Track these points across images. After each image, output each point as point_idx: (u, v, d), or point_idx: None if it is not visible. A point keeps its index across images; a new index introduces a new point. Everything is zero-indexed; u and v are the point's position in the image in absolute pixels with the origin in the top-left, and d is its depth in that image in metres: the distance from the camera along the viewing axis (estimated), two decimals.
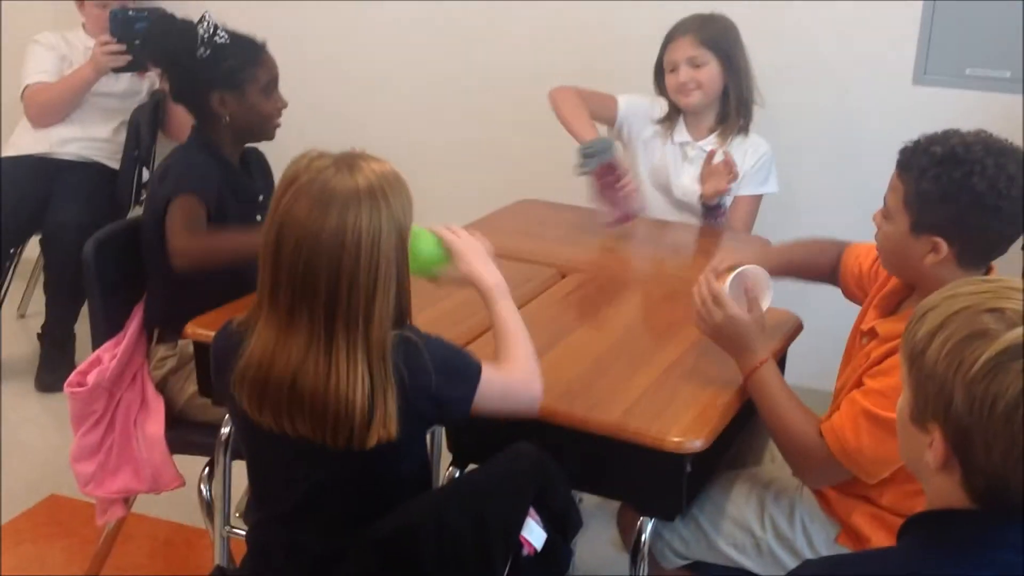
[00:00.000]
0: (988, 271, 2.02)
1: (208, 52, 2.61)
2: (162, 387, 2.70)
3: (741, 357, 2.14)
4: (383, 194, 1.74)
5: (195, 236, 2.56)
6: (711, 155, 3.12)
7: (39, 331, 3.97)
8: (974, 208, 1.91)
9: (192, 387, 2.62)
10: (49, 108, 3.95)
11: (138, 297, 2.75)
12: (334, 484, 1.84)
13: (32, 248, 4.06)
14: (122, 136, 4.00)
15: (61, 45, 4.01)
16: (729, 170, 3.07)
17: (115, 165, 4.01)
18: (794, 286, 2.44)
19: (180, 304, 2.50)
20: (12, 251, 3.98)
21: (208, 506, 2.57)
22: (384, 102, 4.23)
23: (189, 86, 2.69)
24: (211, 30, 2.61)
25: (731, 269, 2.22)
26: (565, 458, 1.97)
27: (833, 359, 2.33)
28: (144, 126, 3.95)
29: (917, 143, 1.97)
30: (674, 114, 3.26)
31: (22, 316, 4.41)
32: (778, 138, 3.33)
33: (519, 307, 2.13)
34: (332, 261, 1.71)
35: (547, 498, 1.89)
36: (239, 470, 2.09)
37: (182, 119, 3.36)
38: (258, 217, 2.75)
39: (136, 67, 3.88)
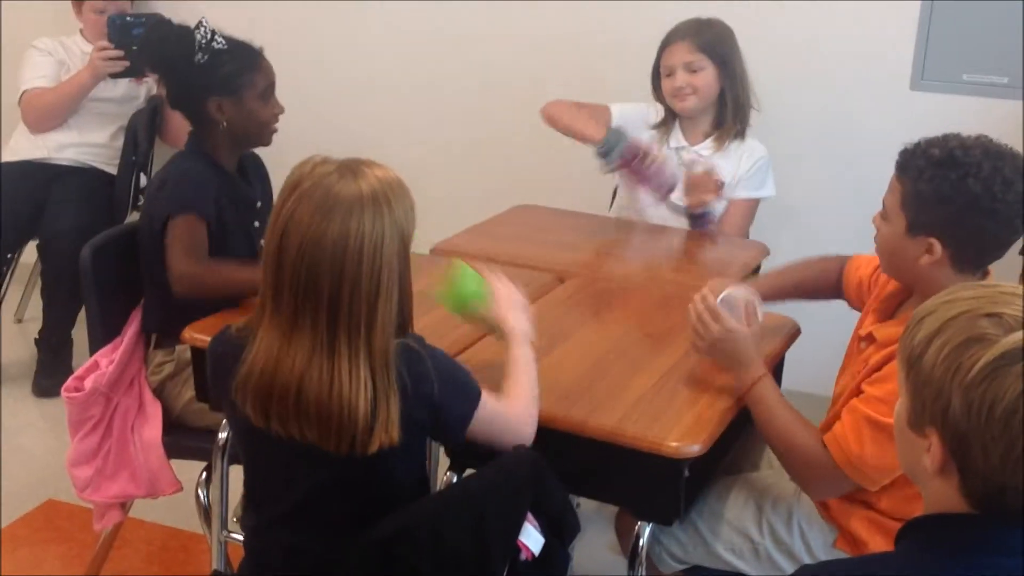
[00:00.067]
0: (985, 275, 2.02)
1: (205, 58, 2.60)
2: (159, 392, 2.70)
3: (739, 372, 2.13)
4: (386, 200, 1.74)
5: (196, 263, 2.54)
6: (692, 165, 3.12)
7: (36, 336, 3.97)
8: (969, 210, 1.92)
9: (189, 392, 2.62)
10: (47, 113, 3.95)
11: (135, 302, 2.75)
12: (334, 486, 1.84)
13: (29, 253, 4.05)
14: (119, 141, 3.99)
15: (59, 50, 4.01)
16: (710, 180, 3.07)
17: (112, 170, 4.00)
18: None
19: (177, 310, 2.50)
20: (9, 256, 3.98)
21: (205, 511, 2.57)
22: (381, 106, 4.24)
23: (186, 92, 2.68)
24: (208, 36, 2.61)
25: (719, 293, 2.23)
26: (563, 463, 1.97)
27: (831, 364, 2.33)
28: (142, 131, 3.95)
29: (917, 145, 1.98)
30: (670, 119, 3.27)
31: (19, 321, 4.41)
32: (776, 144, 3.33)
33: None
34: (335, 267, 1.71)
35: (544, 503, 1.89)
36: (237, 475, 2.09)
37: (179, 125, 3.36)
38: (256, 224, 2.75)
39: (134, 73, 3.88)
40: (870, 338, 2.11)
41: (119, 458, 2.64)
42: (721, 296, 2.20)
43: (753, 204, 3.25)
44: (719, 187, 3.08)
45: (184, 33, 2.63)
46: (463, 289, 2.12)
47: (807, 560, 2.14)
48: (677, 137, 3.25)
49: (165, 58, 2.70)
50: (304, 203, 1.73)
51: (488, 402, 1.90)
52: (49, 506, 3.22)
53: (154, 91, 4.02)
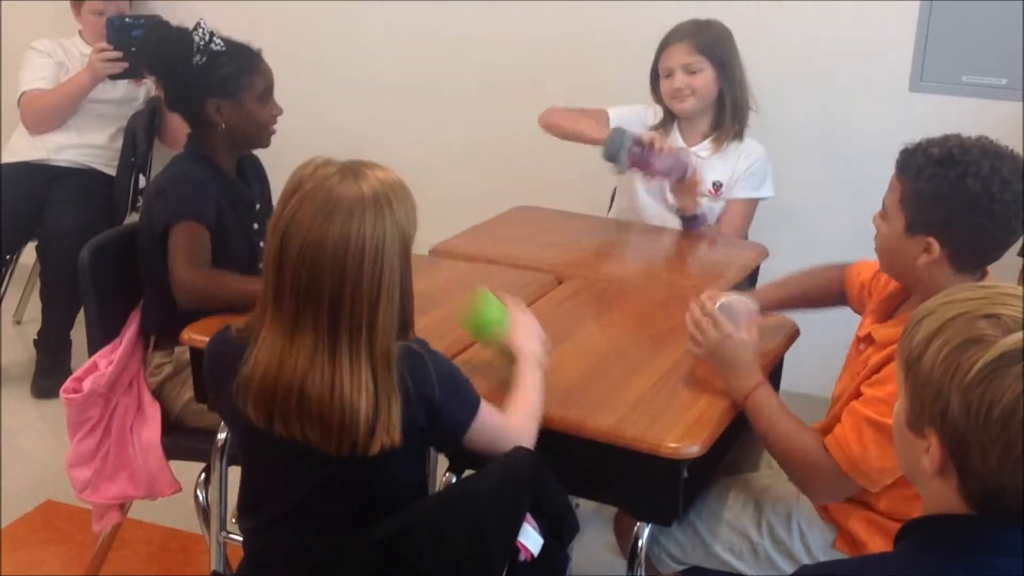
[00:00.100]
0: (983, 275, 2.03)
1: (204, 60, 2.60)
2: (158, 394, 2.70)
3: (737, 379, 2.12)
4: (387, 202, 1.74)
5: (200, 274, 2.53)
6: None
7: (35, 337, 3.97)
8: (967, 209, 1.92)
9: (188, 393, 2.62)
10: (46, 115, 3.95)
11: (134, 303, 2.75)
12: (334, 486, 1.84)
13: (28, 254, 4.06)
14: (118, 143, 3.99)
15: (58, 52, 4.01)
16: (694, 185, 3.07)
17: (111, 172, 4.00)
18: None
19: (176, 312, 2.50)
20: (9, 257, 3.98)
21: (204, 511, 2.57)
22: (381, 106, 4.24)
23: (184, 94, 2.68)
24: (206, 37, 2.60)
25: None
26: (562, 463, 1.97)
27: (830, 365, 2.33)
28: (141, 133, 3.95)
29: (918, 145, 1.99)
30: (668, 120, 3.27)
31: (18, 322, 4.41)
32: (775, 145, 3.33)
33: None
34: (335, 268, 1.71)
35: (544, 504, 1.90)
36: (236, 475, 2.09)
37: (178, 126, 3.36)
38: (255, 225, 2.75)
39: (132, 74, 3.88)
40: (869, 339, 2.11)
41: (118, 459, 2.64)
42: (719, 303, 2.20)
43: (751, 204, 3.25)
44: (700, 188, 3.08)
45: (182, 35, 2.63)
46: (486, 317, 2.15)
47: (806, 561, 2.14)
48: (676, 138, 3.25)
49: (163, 60, 2.70)
50: (306, 205, 1.73)
51: (487, 412, 1.91)
52: (48, 507, 3.22)
53: (153, 92, 4.02)
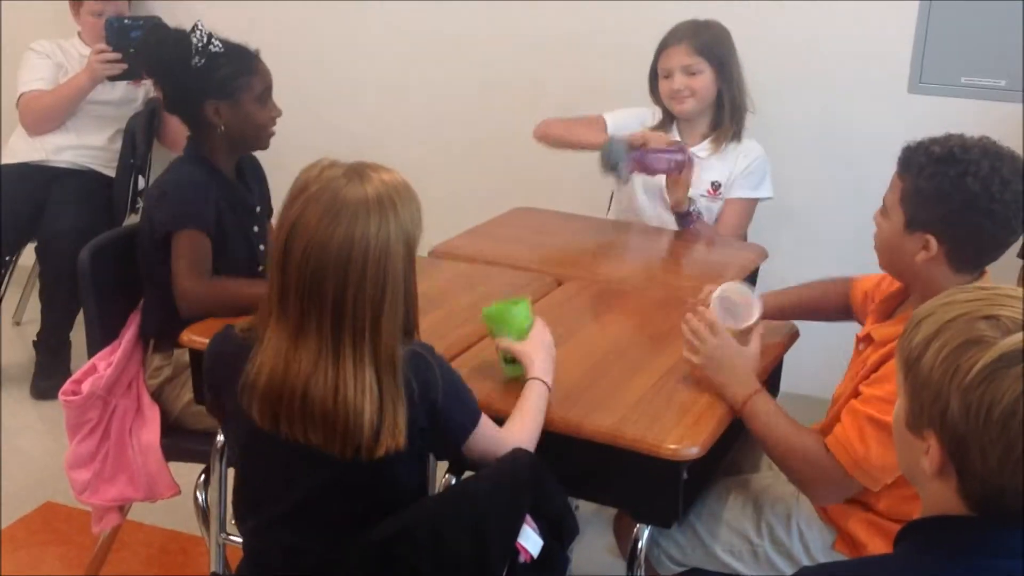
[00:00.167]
0: (981, 275, 2.03)
1: (202, 62, 2.59)
2: (158, 396, 2.70)
3: (733, 387, 2.12)
4: (392, 204, 1.74)
5: (202, 282, 2.53)
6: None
7: (35, 338, 3.96)
8: (966, 207, 1.93)
9: (188, 395, 2.62)
10: (45, 116, 3.95)
11: (134, 304, 2.75)
12: (335, 487, 1.84)
13: (28, 255, 4.05)
14: (118, 144, 3.99)
15: (56, 53, 4.01)
16: (685, 180, 3.06)
17: (111, 173, 4.00)
18: None
19: (176, 315, 2.50)
20: (8, 258, 3.98)
21: (204, 513, 2.56)
22: (381, 106, 4.23)
23: (183, 96, 2.67)
24: (205, 39, 2.59)
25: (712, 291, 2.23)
26: (562, 464, 1.97)
27: (830, 367, 2.34)
28: (140, 134, 3.95)
29: (920, 143, 2.00)
30: (668, 121, 3.27)
31: (18, 323, 4.41)
32: (774, 145, 3.33)
33: None
34: (339, 271, 1.72)
35: (544, 505, 1.90)
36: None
37: (177, 128, 3.35)
38: (255, 228, 2.74)
39: (131, 75, 3.88)
40: (868, 339, 2.11)
41: (117, 461, 2.64)
42: (718, 292, 2.20)
43: (750, 204, 3.25)
44: (689, 180, 3.08)
45: (180, 37, 2.62)
46: (518, 322, 2.13)
47: (806, 562, 2.13)
48: (674, 138, 3.25)
49: (162, 62, 2.69)
50: (311, 207, 1.73)
51: (487, 425, 1.92)
52: (47, 508, 3.22)
53: (152, 94, 4.02)
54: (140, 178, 3.99)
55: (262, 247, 2.74)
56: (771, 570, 2.16)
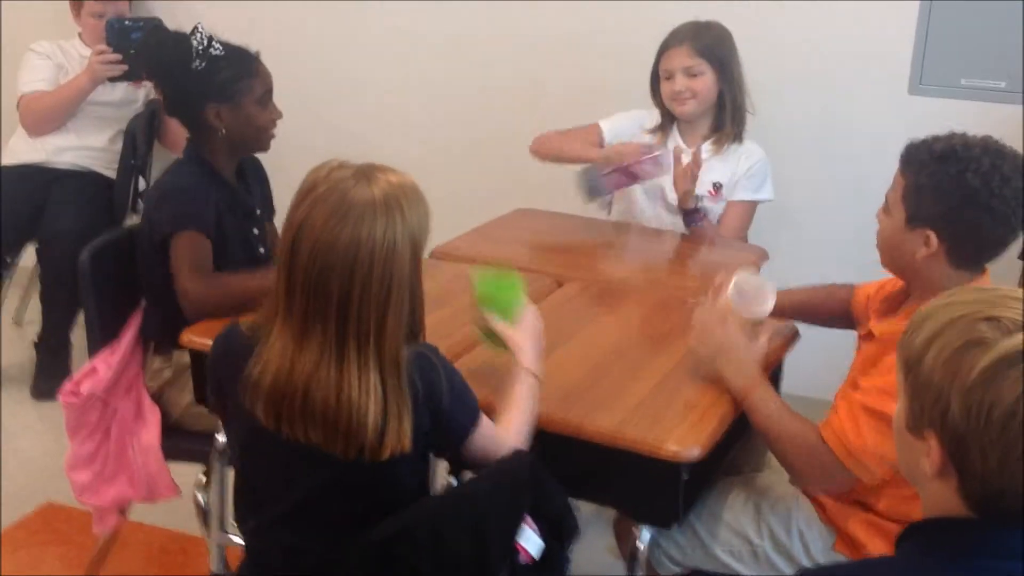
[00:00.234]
0: (982, 273, 2.04)
1: (203, 65, 2.59)
2: (158, 398, 2.69)
3: (739, 378, 2.13)
4: (399, 206, 1.74)
5: (205, 284, 2.52)
6: (678, 159, 3.12)
7: (35, 339, 3.96)
8: (966, 204, 1.94)
9: (188, 397, 2.61)
10: (45, 117, 3.95)
11: (134, 305, 2.74)
12: (336, 487, 1.84)
13: (29, 256, 4.05)
14: (118, 145, 3.99)
15: (57, 54, 4.01)
16: (693, 170, 3.07)
17: (111, 174, 4.00)
18: None
19: (176, 318, 2.50)
20: (8, 259, 3.97)
21: (204, 513, 2.57)
22: (381, 107, 4.24)
23: (183, 99, 2.66)
24: (205, 42, 2.59)
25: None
26: (562, 466, 1.97)
27: (830, 368, 2.34)
28: (140, 135, 3.95)
29: (922, 141, 2.02)
30: (668, 122, 3.27)
31: (18, 324, 4.41)
32: (775, 145, 3.33)
33: None
34: (345, 272, 1.71)
35: (544, 506, 1.90)
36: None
37: (178, 129, 3.35)
38: (255, 231, 2.74)
39: (132, 77, 3.87)
40: (869, 335, 2.13)
41: (117, 462, 2.64)
42: (734, 280, 2.21)
43: (751, 206, 3.25)
44: (694, 172, 3.08)
45: (180, 39, 2.61)
46: (509, 296, 2.10)
47: (806, 562, 2.14)
48: (675, 139, 3.25)
49: (162, 65, 2.68)
50: (319, 207, 1.73)
51: (486, 423, 1.92)
52: (48, 508, 3.22)
53: (152, 95, 4.02)
54: (141, 179, 3.98)
55: (262, 250, 2.74)
56: (771, 570, 2.16)
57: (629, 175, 3.06)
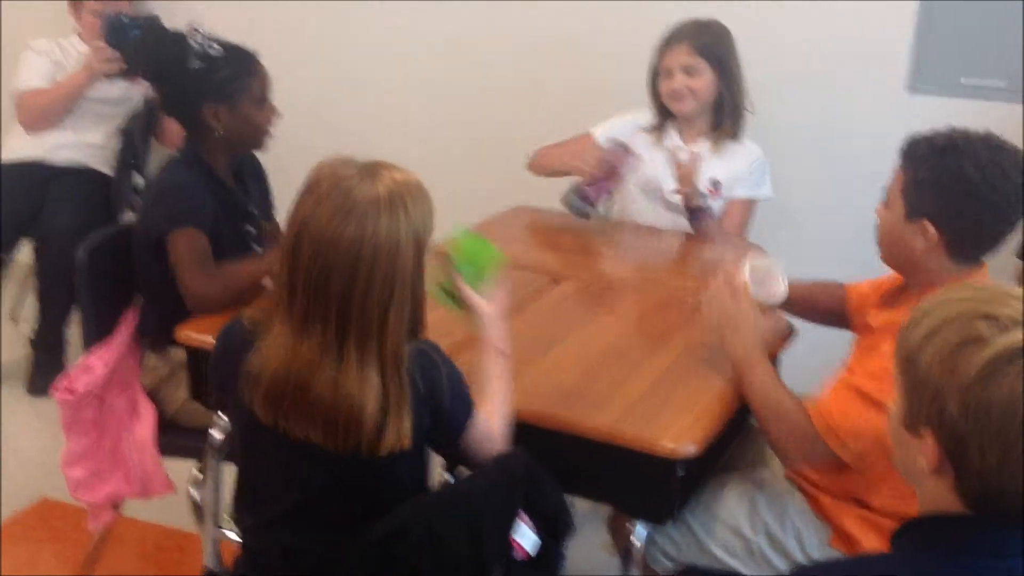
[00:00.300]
0: (980, 267, 2.05)
1: (200, 65, 2.58)
2: (154, 395, 2.69)
3: (741, 348, 2.15)
4: (403, 204, 1.74)
5: (209, 280, 2.52)
6: (677, 159, 3.12)
7: (31, 335, 3.96)
8: (964, 196, 1.96)
9: (184, 394, 2.61)
10: (42, 113, 3.95)
11: (130, 302, 2.74)
12: (334, 484, 1.84)
13: (25, 252, 4.05)
14: (115, 142, 3.99)
15: (55, 51, 4.01)
16: (692, 166, 3.07)
17: (108, 171, 4.00)
18: None
19: (171, 314, 2.49)
20: (5, 256, 3.97)
21: (199, 509, 2.56)
22: (381, 106, 4.24)
23: (181, 99, 2.66)
24: (202, 42, 2.58)
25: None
26: (558, 463, 1.96)
27: (828, 366, 2.33)
28: (138, 132, 3.95)
29: (923, 135, 2.04)
30: (665, 119, 3.27)
31: (15, 320, 4.40)
32: (774, 145, 3.33)
33: (512, 314, 2.13)
34: (347, 268, 1.71)
35: (539, 503, 1.89)
36: (231, 473, 2.09)
37: (175, 127, 3.34)
38: (252, 230, 2.74)
39: (129, 74, 3.87)
40: (867, 327, 2.14)
41: (113, 459, 2.64)
42: (748, 264, 2.23)
43: (750, 205, 3.25)
44: (692, 169, 3.09)
45: (178, 39, 2.60)
46: (488, 267, 2.04)
47: (800, 558, 2.14)
48: (673, 138, 3.25)
49: (159, 65, 2.68)
50: (323, 204, 1.73)
51: (479, 416, 1.92)
52: (43, 504, 3.22)
53: (150, 92, 4.01)
54: (138, 176, 3.98)
55: (258, 249, 2.73)
56: (766, 566, 2.16)
57: (607, 184, 3.08)
